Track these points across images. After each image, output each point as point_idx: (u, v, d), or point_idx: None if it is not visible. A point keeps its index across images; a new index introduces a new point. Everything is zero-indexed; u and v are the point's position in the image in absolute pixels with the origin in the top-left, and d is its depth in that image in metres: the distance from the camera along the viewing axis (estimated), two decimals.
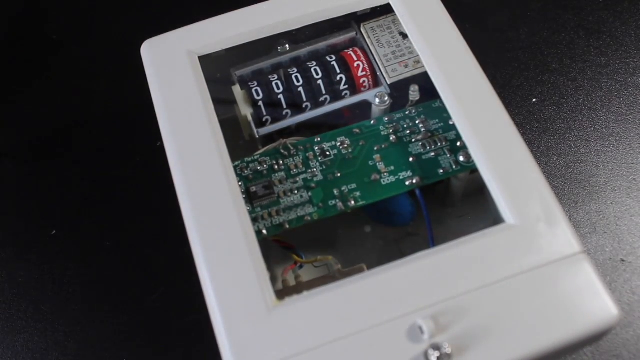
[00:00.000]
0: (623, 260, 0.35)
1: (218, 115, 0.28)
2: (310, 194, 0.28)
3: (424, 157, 0.29)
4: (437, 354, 0.22)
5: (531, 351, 0.22)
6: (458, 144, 0.29)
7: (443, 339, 0.22)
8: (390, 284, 0.23)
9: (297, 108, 0.31)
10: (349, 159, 0.29)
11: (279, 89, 0.31)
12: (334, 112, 0.31)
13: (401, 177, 0.29)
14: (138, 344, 0.34)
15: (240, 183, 0.28)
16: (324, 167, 0.29)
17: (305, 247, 0.30)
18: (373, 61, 0.32)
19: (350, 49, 0.32)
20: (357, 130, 0.30)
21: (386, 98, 0.31)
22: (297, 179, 0.29)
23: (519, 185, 0.25)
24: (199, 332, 0.34)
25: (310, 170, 0.29)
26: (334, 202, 0.28)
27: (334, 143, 0.30)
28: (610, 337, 0.33)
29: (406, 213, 0.30)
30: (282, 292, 0.25)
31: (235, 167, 0.29)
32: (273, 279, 0.29)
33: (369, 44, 0.32)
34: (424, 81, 0.30)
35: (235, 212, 0.25)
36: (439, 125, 0.30)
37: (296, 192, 0.28)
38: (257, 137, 0.31)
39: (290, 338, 0.23)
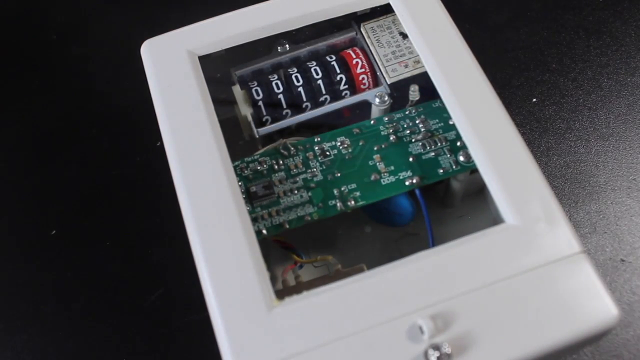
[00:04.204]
0: (623, 260, 0.35)
1: (218, 115, 0.28)
2: (310, 194, 0.28)
3: (423, 157, 0.29)
4: (437, 354, 0.22)
5: (531, 351, 0.22)
6: (458, 144, 0.29)
7: (443, 339, 0.22)
8: (390, 284, 0.23)
9: (297, 108, 0.31)
10: (349, 159, 0.29)
11: (279, 89, 0.31)
12: (334, 112, 0.31)
13: (401, 177, 0.29)
14: (138, 344, 0.34)
15: (240, 183, 0.28)
16: (324, 167, 0.29)
17: (305, 247, 0.30)
18: (373, 61, 0.32)
19: (350, 49, 0.32)
20: (357, 130, 0.30)
21: (386, 98, 0.31)
22: (297, 179, 0.29)
23: (519, 185, 0.25)
24: (199, 332, 0.34)
25: (310, 170, 0.29)
26: (334, 202, 0.28)
27: (334, 143, 0.30)
28: (610, 337, 0.33)
29: (406, 213, 0.30)
30: (282, 292, 0.25)
31: (235, 167, 0.29)
32: (273, 279, 0.28)
33: (369, 44, 0.32)
34: (424, 81, 0.30)
35: (235, 212, 0.25)
36: (439, 125, 0.30)
37: (296, 192, 0.28)
38: (257, 137, 0.31)
39: (290, 338, 0.23)
